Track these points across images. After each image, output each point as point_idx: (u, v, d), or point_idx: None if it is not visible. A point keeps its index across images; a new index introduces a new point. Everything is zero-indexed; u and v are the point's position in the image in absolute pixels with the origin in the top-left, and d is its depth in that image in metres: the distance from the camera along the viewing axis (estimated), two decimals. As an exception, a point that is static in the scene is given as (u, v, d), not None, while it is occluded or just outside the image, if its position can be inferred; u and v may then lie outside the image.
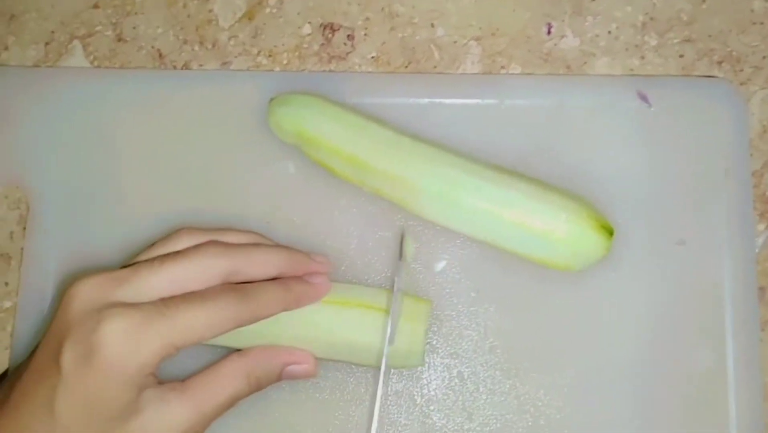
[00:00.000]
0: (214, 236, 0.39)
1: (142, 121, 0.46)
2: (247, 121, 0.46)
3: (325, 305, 0.40)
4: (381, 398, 0.40)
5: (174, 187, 0.46)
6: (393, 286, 0.42)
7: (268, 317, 0.38)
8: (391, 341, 0.40)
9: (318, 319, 0.40)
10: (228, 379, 0.37)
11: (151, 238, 0.41)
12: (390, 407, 0.43)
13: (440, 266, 0.44)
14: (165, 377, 0.36)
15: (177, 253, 0.37)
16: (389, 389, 0.43)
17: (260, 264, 0.38)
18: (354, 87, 0.46)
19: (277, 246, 0.41)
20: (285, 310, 0.39)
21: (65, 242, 0.45)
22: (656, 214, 0.44)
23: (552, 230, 0.40)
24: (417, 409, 0.43)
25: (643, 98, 0.45)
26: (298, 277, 0.40)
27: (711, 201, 0.44)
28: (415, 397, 0.43)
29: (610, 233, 0.41)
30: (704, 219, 0.44)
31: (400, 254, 0.43)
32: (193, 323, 0.35)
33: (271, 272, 0.39)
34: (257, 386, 0.39)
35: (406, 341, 0.40)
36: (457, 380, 0.43)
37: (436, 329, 0.43)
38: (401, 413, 0.43)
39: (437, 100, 0.46)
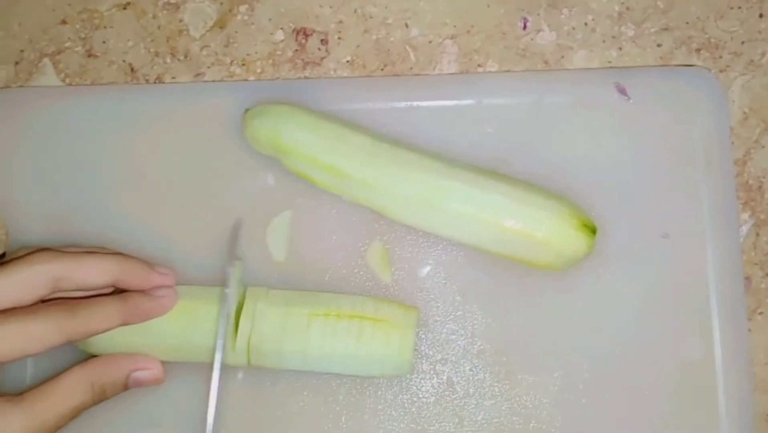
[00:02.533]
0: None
1: (117, 139, 0.46)
2: (223, 133, 0.45)
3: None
4: (215, 397, 0.40)
5: (153, 204, 0.45)
6: (226, 284, 0.41)
7: (103, 330, 0.38)
8: (225, 338, 0.40)
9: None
10: (69, 389, 0.37)
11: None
12: (381, 415, 0.43)
13: (425, 271, 0.44)
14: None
15: (4, 263, 0.37)
16: (379, 396, 0.43)
17: (90, 269, 0.38)
18: (330, 94, 0.46)
19: (115, 253, 0.40)
20: (124, 324, 0.39)
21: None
22: (639, 207, 0.44)
23: (534, 231, 0.40)
24: (408, 416, 0.43)
25: (622, 91, 0.45)
26: (142, 291, 0.40)
27: (694, 192, 0.44)
28: (405, 404, 0.43)
29: (593, 231, 0.41)
30: (688, 210, 0.44)
31: (230, 251, 0.42)
32: (12, 337, 0.35)
33: (104, 278, 0.38)
34: (102, 396, 0.39)
35: (395, 350, 0.40)
36: (446, 386, 0.43)
37: (423, 335, 0.43)
38: (392, 422, 0.42)
39: (415, 104, 0.45)
